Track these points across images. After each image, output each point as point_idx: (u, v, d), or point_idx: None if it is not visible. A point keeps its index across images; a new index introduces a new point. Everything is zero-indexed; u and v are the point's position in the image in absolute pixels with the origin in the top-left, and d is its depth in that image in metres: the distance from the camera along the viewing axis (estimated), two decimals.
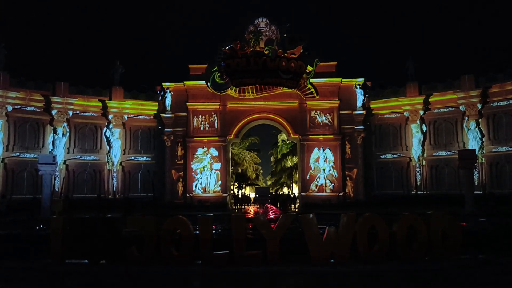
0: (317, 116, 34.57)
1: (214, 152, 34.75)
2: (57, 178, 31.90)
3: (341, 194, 33.87)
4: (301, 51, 32.31)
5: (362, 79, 35.24)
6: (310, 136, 34.50)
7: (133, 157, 36.17)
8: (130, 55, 78.97)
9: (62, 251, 10.99)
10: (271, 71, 32.12)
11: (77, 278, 9.96)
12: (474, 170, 28.80)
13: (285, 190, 57.74)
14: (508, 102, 31.40)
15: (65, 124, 33.94)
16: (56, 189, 31.48)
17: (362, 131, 34.93)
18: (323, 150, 34.10)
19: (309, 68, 32.31)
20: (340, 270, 10.21)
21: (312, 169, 34.35)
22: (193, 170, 34.73)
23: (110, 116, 35.43)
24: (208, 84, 33.00)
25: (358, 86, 34.99)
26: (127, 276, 10.06)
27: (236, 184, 54.74)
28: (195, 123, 35.00)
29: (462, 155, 26.14)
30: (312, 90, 32.70)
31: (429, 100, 34.33)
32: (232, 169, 42.69)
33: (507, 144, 31.36)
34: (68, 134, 34.05)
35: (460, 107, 33.13)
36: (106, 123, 35.45)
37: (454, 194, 30.10)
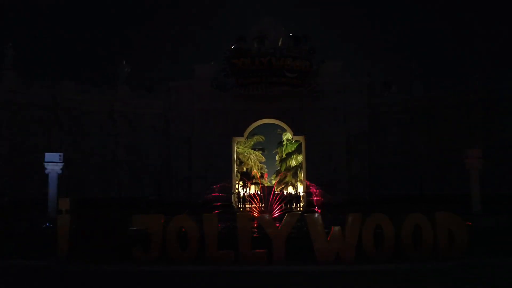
0: (322, 115, 34.43)
1: (219, 151, 34.79)
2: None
3: (346, 193, 33.77)
4: (306, 50, 32.31)
5: (367, 78, 35.12)
6: (315, 135, 34.41)
7: (138, 156, 36.24)
8: (136, 54, 79.15)
9: (68, 249, 11.07)
10: (276, 70, 32.12)
11: (83, 276, 10.01)
12: (480, 169, 28.57)
13: (290, 189, 57.77)
14: None
15: (71, 123, 34.08)
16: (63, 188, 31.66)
17: (367, 129, 34.80)
18: (328, 149, 34.01)
19: (315, 67, 32.30)
20: (345, 270, 10.21)
21: (317, 168, 34.27)
22: (198, 169, 34.79)
23: (116, 115, 35.53)
24: (213, 83, 33.07)
25: (363, 85, 34.86)
26: (133, 274, 10.11)
27: (241, 183, 54.81)
28: (200, 122, 35.01)
29: (469, 154, 26.00)
30: (318, 89, 32.69)
31: (433, 98, 34.15)
32: (237, 168, 42.73)
33: None
34: (74, 132, 34.18)
35: (464, 106, 32.95)
36: (112, 122, 35.56)
37: (461, 193, 29.91)
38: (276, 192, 19.46)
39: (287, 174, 57.40)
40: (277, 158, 62.89)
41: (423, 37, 79.71)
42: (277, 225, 11.37)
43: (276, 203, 18.45)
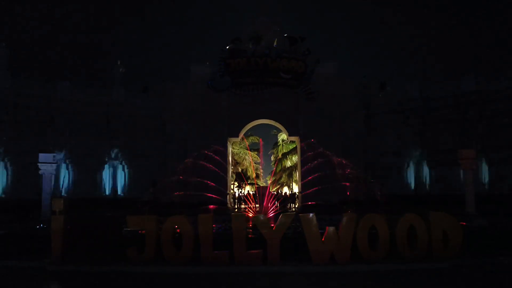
0: (317, 115, 34.44)
1: (214, 152, 34.69)
2: (61, 177, 32.11)
3: (341, 193, 33.75)
4: (302, 51, 32.37)
5: (362, 79, 35.24)
6: (310, 136, 34.41)
7: (134, 157, 36.15)
8: (131, 55, 78.94)
9: (62, 250, 11.02)
10: (272, 71, 32.16)
11: (77, 277, 9.98)
12: (474, 170, 28.76)
13: (285, 189, 57.84)
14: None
15: (66, 123, 33.94)
16: (61, 188, 31.68)
17: (363, 131, 34.88)
18: (323, 149, 34.00)
19: (310, 68, 32.34)
20: (340, 270, 10.23)
21: (312, 168, 34.25)
22: (194, 169, 34.69)
23: (111, 116, 35.40)
24: (209, 83, 33.04)
25: (358, 86, 34.94)
26: (127, 275, 10.08)
27: (236, 183, 54.78)
28: (196, 123, 34.91)
29: (463, 155, 26.15)
30: (313, 90, 32.74)
31: (429, 99, 34.30)
32: (232, 169, 42.68)
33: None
34: (69, 133, 34.06)
35: (458, 106, 33.11)
36: (107, 123, 35.43)
37: (455, 194, 30.07)
38: (271, 193, 19.46)
39: (282, 175, 57.50)
40: (272, 158, 62.95)
41: (418, 37, 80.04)
42: (272, 225, 11.38)
43: (271, 204, 18.46)
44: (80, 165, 34.53)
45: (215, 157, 30.49)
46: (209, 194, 30.84)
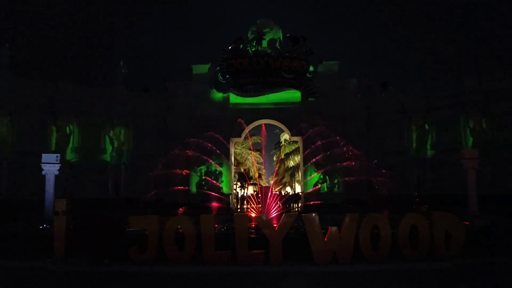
0: (319, 115, 34.39)
1: (216, 151, 34.70)
2: (64, 177, 32.12)
3: (343, 193, 33.73)
4: (304, 51, 32.35)
5: (364, 79, 35.14)
6: (312, 136, 34.37)
7: (136, 157, 36.19)
8: (134, 55, 79.10)
9: (65, 250, 11.05)
10: (274, 71, 32.16)
11: (80, 277, 10.00)
12: (477, 169, 28.68)
13: (288, 189, 57.93)
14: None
15: (69, 123, 34.01)
16: (63, 189, 31.66)
17: (364, 130, 34.82)
18: (325, 149, 33.96)
19: (312, 67, 32.31)
20: (342, 270, 10.23)
21: (314, 168, 34.25)
22: (196, 169, 34.74)
23: (113, 116, 35.46)
24: (211, 84, 33.03)
25: (360, 86, 34.88)
26: (129, 275, 10.10)
27: (238, 183, 54.88)
28: (197, 123, 34.94)
29: (465, 154, 26.08)
30: (315, 89, 32.73)
31: (432, 99, 34.22)
32: (234, 169, 42.67)
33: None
34: (72, 133, 34.13)
35: (461, 106, 33.03)
36: (109, 123, 35.50)
37: (457, 194, 29.98)
38: (274, 193, 19.42)
39: (285, 175, 57.55)
40: (274, 158, 63.04)
41: (420, 37, 79.95)
42: (275, 225, 11.38)
43: (273, 204, 18.44)
44: (82, 165, 34.60)
45: (211, 146, 30.28)
46: (211, 193, 30.80)
